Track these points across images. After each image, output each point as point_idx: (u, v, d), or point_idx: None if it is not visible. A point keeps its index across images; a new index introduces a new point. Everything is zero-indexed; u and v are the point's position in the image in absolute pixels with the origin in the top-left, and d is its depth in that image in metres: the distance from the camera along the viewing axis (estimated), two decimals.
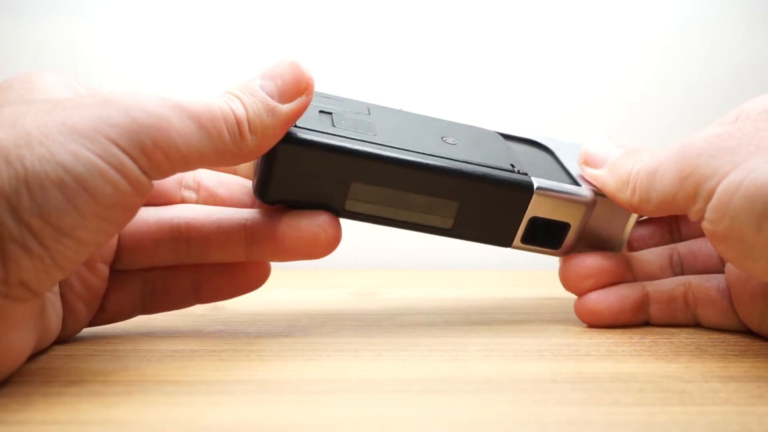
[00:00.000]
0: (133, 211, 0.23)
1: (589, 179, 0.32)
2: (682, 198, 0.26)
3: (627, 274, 0.33)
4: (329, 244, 0.28)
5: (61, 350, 0.27)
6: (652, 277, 0.33)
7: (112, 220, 0.22)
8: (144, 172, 0.22)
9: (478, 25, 0.59)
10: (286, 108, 0.26)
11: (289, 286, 0.44)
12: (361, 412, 0.21)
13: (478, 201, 0.30)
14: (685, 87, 0.60)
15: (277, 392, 0.23)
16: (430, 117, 0.34)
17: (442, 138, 0.31)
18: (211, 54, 0.57)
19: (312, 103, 0.28)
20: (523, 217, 0.31)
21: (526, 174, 0.31)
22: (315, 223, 0.28)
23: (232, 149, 0.24)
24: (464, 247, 0.33)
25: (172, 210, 0.29)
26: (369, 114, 0.31)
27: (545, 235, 0.32)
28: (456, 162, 0.29)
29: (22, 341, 0.22)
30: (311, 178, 0.28)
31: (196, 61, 0.57)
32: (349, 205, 0.29)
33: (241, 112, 0.25)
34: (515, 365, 0.26)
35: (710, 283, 0.32)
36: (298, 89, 0.26)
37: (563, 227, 0.32)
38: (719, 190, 0.24)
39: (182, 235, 0.29)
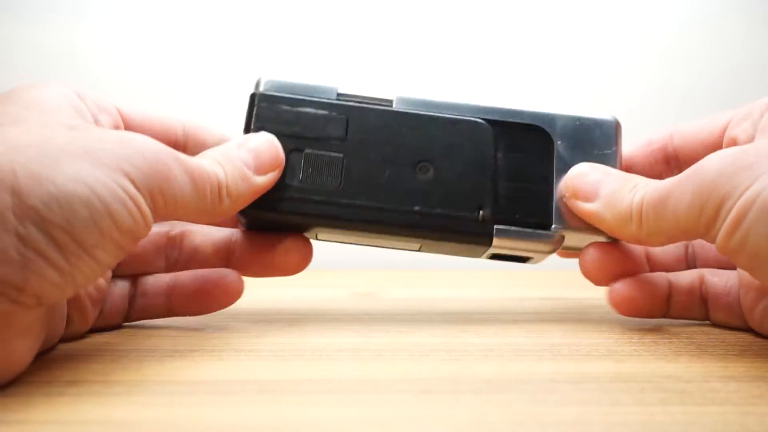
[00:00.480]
0: (137, 243, 0.25)
1: (580, 215, 0.31)
2: (703, 223, 0.26)
3: (645, 265, 0.33)
4: (299, 264, 0.32)
5: (62, 350, 0.27)
6: (668, 269, 0.33)
7: (123, 246, 0.23)
8: (149, 208, 0.24)
9: (479, 26, 0.59)
10: (260, 180, 0.29)
11: (289, 286, 0.44)
12: (361, 412, 0.21)
13: (440, 246, 0.32)
14: (685, 87, 0.60)
15: (277, 392, 0.23)
16: (418, 115, 0.32)
17: (417, 166, 0.31)
18: (211, 54, 0.57)
19: (294, 112, 0.31)
20: (483, 254, 0.33)
21: (489, 224, 0.31)
22: (285, 245, 0.31)
23: (209, 208, 0.27)
24: None
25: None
26: (346, 138, 0.31)
27: (513, 257, 0.33)
28: (417, 217, 0.31)
29: (25, 347, 0.23)
30: (280, 225, 0.32)
31: (196, 61, 0.57)
32: (320, 237, 0.32)
33: (222, 177, 0.27)
34: (515, 365, 0.26)
35: (719, 278, 0.32)
36: (272, 165, 0.30)
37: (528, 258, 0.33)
38: (738, 205, 0.24)
39: (176, 243, 0.32)
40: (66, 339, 0.29)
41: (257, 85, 0.32)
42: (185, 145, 0.31)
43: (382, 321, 0.33)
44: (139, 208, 0.23)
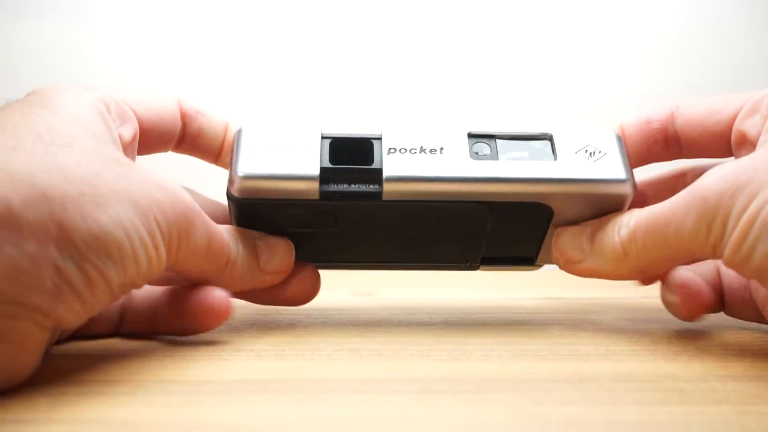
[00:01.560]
0: (147, 282, 0.26)
1: (581, 276, 0.31)
2: (711, 243, 0.26)
3: None
4: (219, 316, 0.29)
5: (62, 350, 0.27)
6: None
7: (137, 284, 0.25)
8: (166, 256, 0.25)
9: (479, 26, 0.59)
10: (265, 278, 0.30)
11: None
12: (361, 412, 0.21)
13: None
14: (685, 87, 0.60)
15: (277, 392, 0.23)
16: (409, 204, 0.30)
17: (409, 235, 0.32)
18: (212, 55, 0.57)
19: (279, 215, 0.30)
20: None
21: (476, 264, 0.33)
22: (298, 277, 0.32)
23: (210, 276, 0.28)
24: None
25: None
26: (336, 225, 0.30)
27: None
28: (409, 262, 0.34)
29: (30, 363, 0.23)
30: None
31: (197, 62, 0.57)
32: None
33: (233, 254, 0.29)
34: (515, 365, 0.26)
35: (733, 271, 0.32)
36: (281, 269, 0.30)
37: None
38: (741, 222, 0.25)
39: None
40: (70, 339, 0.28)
41: (230, 182, 0.29)
42: (183, 131, 0.31)
43: (382, 321, 0.33)
44: (158, 254, 0.25)
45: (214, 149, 0.32)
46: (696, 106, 0.32)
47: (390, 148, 0.29)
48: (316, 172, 0.29)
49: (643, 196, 0.34)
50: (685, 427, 0.20)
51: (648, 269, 0.29)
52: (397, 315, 0.35)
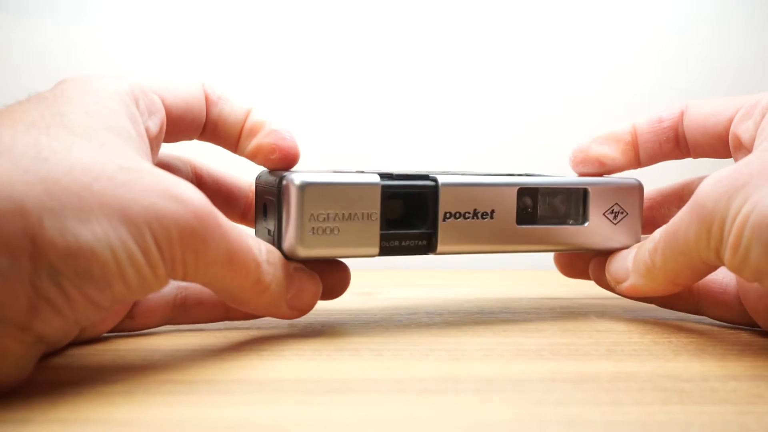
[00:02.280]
0: (146, 296, 0.25)
1: (630, 297, 0.33)
2: (713, 248, 0.26)
3: None
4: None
5: (63, 350, 0.27)
6: None
7: (129, 300, 0.25)
8: (167, 271, 0.23)
9: (478, 23, 0.59)
10: (286, 312, 0.29)
11: None
12: (361, 412, 0.21)
13: None
14: (684, 87, 0.60)
15: (277, 392, 0.23)
16: None
17: None
18: (212, 55, 0.57)
19: None
20: None
21: None
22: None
23: (237, 292, 0.26)
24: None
25: None
26: None
27: None
28: None
29: (14, 375, 0.22)
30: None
31: (198, 62, 0.57)
32: None
33: (268, 280, 0.27)
34: (515, 365, 0.26)
35: (714, 275, 0.32)
36: (306, 309, 0.29)
37: None
38: (735, 225, 0.25)
39: None
40: (79, 341, 0.28)
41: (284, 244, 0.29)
42: (206, 117, 0.30)
43: (382, 321, 0.33)
44: (155, 272, 0.23)
45: (233, 136, 0.30)
46: (701, 107, 0.32)
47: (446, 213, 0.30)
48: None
49: (659, 206, 0.36)
50: (685, 427, 0.20)
51: (677, 280, 0.29)
52: (397, 315, 0.35)
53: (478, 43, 0.59)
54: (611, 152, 0.33)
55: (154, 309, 0.30)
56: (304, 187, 0.28)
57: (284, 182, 0.28)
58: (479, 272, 0.54)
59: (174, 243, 0.23)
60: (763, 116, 0.29)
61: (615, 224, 0.33)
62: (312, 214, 0.28)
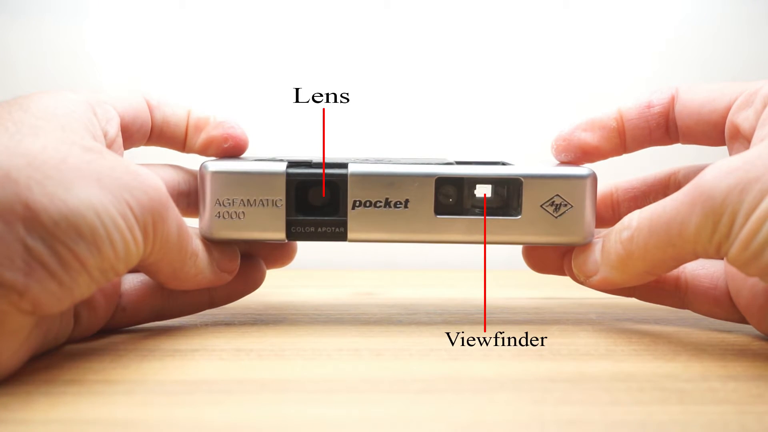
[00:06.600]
0: (128, 269, 0.25)
1: (603, 290, 0.31)
2: (716, 241, 0.25)
3: None
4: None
5: (62, 349, 0.27)
6: None
7: (117, 270, 0.24)
8: (143, 238, 0.25)
9: (478, 23, 0.59)
10: (220, 276, 0.31)
11: (289, 286, 0.44)
12: (361, 412, 0.21)
13: None
14: None
15: (277, 392, 0.23)
16: None
17: None
18: (213, 55, 0.57)
19: None
20: None
21: None
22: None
23: (178, 266, 0.28)
24: (464, 247, 0.33)
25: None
26: None
27: None
28: None
29: (11, 350, 0.23)
30: None
31: (198, 62, 0.57)
32: None
33: (196, 248, 0.29)
34: (515, 365, 0.26)
35: (704, 270, 0.32)
36: (232, 269, 0.32)
37: None
38: (751, 219, 0.24)
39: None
40: (77, 338, 0.28)
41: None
42: (151, 122, 0.32)
43: (382, 321, 0.33)
44: (134, 237, 0.24)
45: (179, 137, 0.32)
46: (694, 92, 0.31)
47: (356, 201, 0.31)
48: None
49: (644, 195, 0.34)
50: (685, 427, 0.20)
51: (654, 271, 0.28)
52: (397, 315, 0.35)
53: (477, 44, 0.59)
54: (594, 140, 0.32)
55: (142, 298, 0.31)
56: (213, 175, 0.30)
57: (201, 169, 0.31)
58: (479, 272, 0.54)
59: (146, 214, 0.25)
60: (764, 105, 0.28)
61: (556, 217, 0.31)
62: (218, 199, 0.30)
